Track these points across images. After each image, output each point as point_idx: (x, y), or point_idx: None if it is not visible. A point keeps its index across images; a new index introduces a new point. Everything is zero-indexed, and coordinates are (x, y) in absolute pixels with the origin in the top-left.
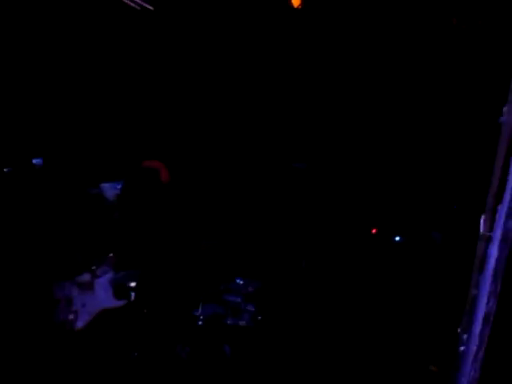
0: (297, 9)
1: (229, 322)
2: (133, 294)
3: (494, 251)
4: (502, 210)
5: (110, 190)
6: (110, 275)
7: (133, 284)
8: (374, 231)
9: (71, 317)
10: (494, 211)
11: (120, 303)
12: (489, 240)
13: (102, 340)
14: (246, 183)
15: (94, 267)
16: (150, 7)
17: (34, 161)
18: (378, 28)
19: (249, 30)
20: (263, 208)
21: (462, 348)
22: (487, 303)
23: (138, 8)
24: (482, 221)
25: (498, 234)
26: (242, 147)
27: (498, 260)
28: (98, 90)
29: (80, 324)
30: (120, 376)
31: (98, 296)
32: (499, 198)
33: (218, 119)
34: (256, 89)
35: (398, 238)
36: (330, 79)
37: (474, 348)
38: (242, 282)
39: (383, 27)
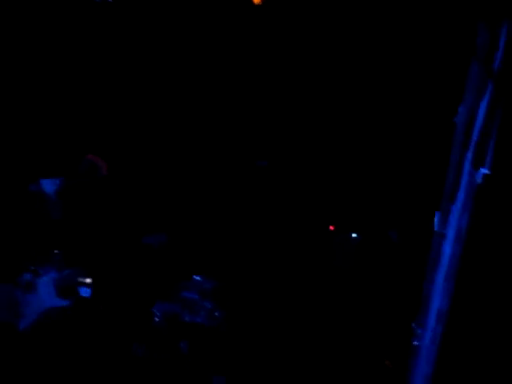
0: (257, 5)
1: (186, 318)
2: (88, 291)
3: (447, 249)
4: (456, 208)
5: (50, 185)
6: (53, 274)
7: (88, 280)
8: (331, 228)
9: (15, 318)
10: (448, 210)
11: (65, 303)
12: (442, 238)
13: (51, 340)
14: (207, 179)
15: (36, 266)
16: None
17: None
18: (337, 27)
19: (208, 27)
20: (223, 205)
21: (415, 342)
22: (440, 300)
23: (99, 1)
24: (436, 219)
25: (451, 232)
26: (203, 144)
27: (451, 258)
28: (40, 85)
29: (24, 325)
30: (73, 376)
31: (41, 296)
32: (453, 197)
33: (177, 115)
34: (216, 86)
35: (354, 235)
36: (289, 79)
37: (427, 343)
38: (198, 279)
39: (342, 26)
